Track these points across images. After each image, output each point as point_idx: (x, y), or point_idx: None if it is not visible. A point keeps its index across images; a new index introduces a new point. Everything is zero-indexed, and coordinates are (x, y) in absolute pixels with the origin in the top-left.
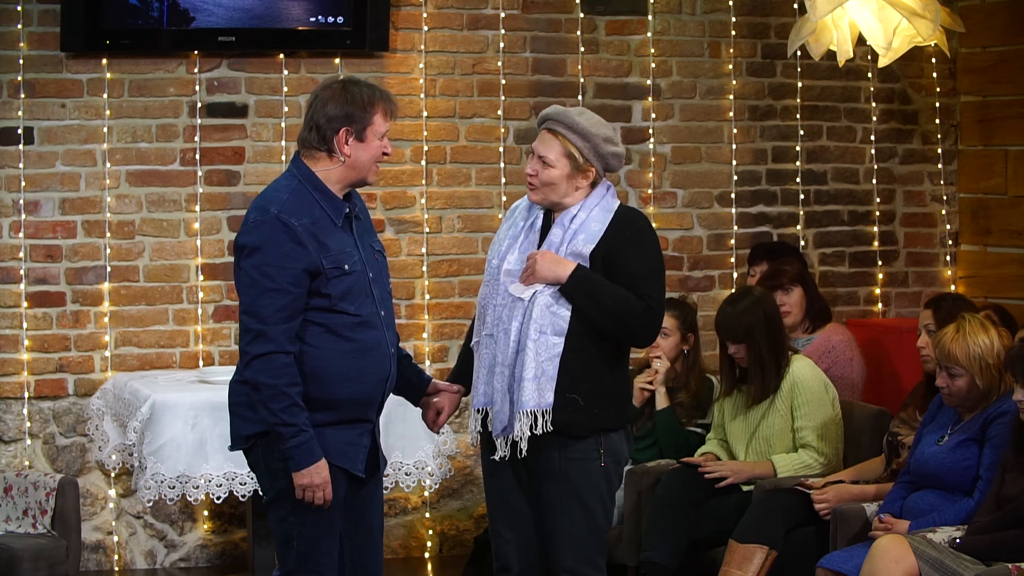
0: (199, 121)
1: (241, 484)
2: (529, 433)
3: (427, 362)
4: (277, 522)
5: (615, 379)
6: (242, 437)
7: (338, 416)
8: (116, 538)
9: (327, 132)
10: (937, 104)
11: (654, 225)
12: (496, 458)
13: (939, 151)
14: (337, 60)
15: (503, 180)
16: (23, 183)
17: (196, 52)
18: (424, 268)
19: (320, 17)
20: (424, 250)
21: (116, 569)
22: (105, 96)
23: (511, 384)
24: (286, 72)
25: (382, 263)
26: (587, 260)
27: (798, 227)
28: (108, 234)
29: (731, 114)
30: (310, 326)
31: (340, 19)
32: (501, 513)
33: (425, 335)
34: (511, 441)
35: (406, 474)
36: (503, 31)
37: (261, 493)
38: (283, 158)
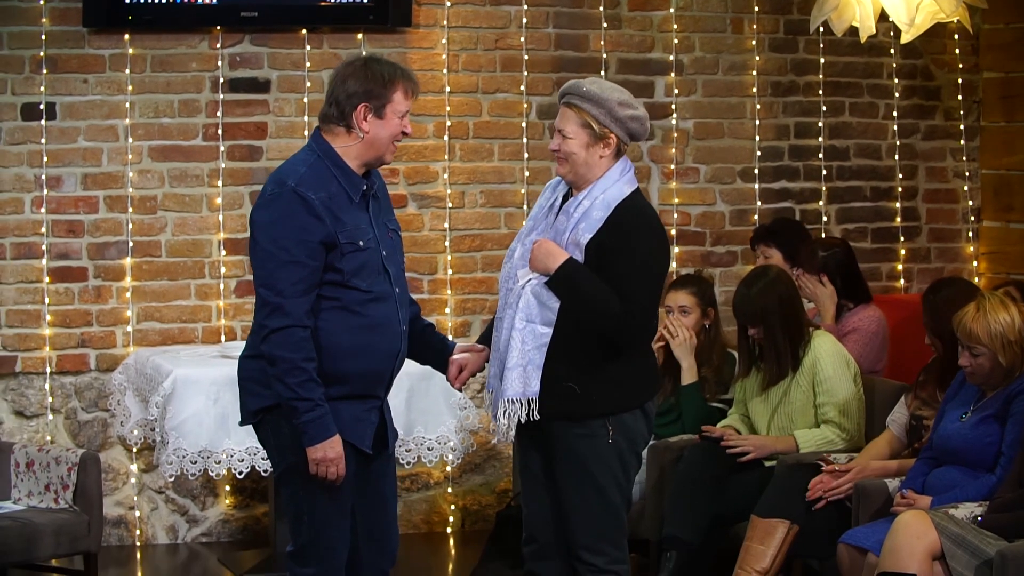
0: (221, 96)
1: (263, 459)
2: (507, 421)
3: (449, 337)
4: (288, 498)
5: (621, 364)
6: (251, 412)
7: (347, 390)
8: (138, 513)
9: (346, 108)
10: (959, 80)
11: (676, 201)
12: (495, 441)
13: (961, 127)
14: (360, 35)
15: (526, 155)
16: (45, 158)
17: (218, 27)
18: (447, 243)
19: None
20: (447, 225)
21: (138, 544)
22: (127, 71)
23: (501, 371)
24: (308, 47)
25: (396, 241)
26: (583, 250)
27: (820, 203)
28: (130, 209)
29: (754, 90)
30: (323, 301)
31: None
32: (526, 484)
33: (448, 310)
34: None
35: (428, 449)
36: (525, 6)
37: (272, 468)
38: (305, 133)
